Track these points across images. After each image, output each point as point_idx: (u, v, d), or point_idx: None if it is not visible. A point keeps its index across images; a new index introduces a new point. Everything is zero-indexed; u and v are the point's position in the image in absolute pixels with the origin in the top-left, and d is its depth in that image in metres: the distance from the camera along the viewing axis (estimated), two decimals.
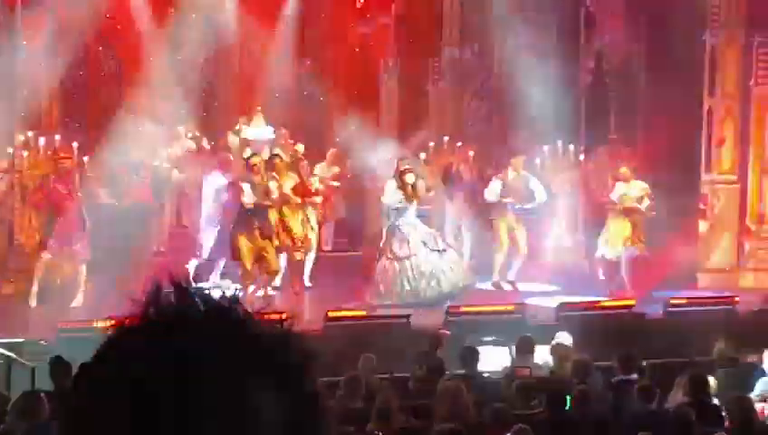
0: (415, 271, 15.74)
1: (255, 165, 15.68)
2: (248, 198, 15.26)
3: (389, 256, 15.86)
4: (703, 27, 17.46)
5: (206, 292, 1.36)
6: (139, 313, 1.34)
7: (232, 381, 1.30)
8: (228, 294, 1.37)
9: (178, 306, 1.34)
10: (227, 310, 1.35)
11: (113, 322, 1.36)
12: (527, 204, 17.25)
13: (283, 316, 1.39)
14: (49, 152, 16.73)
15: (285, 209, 16.06)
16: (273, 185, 15.73)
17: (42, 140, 16.90)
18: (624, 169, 16.80)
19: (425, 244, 15.90)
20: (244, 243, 15.23)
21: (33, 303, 15.09)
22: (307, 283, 16.76)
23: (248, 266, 15.29)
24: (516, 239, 17.22)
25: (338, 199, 19.33)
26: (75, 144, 16.92)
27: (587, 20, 19.50)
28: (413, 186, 15.95)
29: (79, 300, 15.15)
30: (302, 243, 16.33)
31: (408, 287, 15.71)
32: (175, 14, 19.68)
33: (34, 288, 15.09)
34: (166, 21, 19.71)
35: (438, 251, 15.97)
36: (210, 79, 21.08)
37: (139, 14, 19.84)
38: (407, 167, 16.26)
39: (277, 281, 16.13)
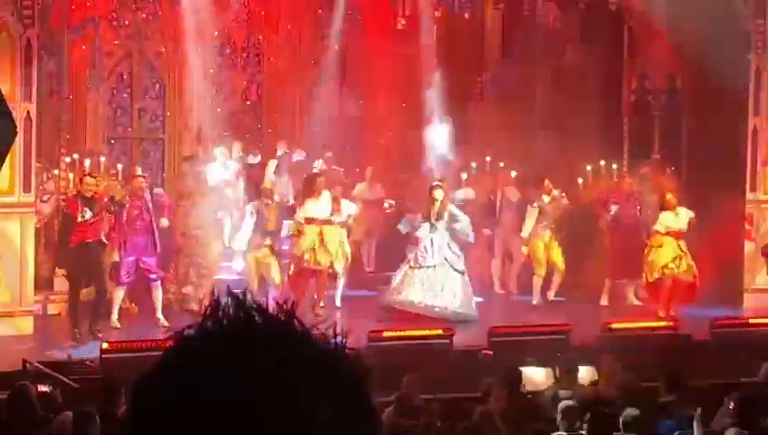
0: (427, 282, 15.69)
1: None
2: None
3: (411, 264, 15.95)
4: (748, 46, 17.34)
5: (264, 305, 1.34)
6: (198, 325, 1.32)
7: (294, 394, 1.29)
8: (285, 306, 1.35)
9: (237, 319, 1.33)
10: (286, 323, 1.34)
11: (172, 335, 1.34)
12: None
13: (337, 331, 1.37)
14: None
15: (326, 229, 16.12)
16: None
17: None
18: (670, 197, 16.55)
19: (446, 260, 15.85)
20: None
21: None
22: (338, 303, 16.70)
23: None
24: (553, 257, 17.17)
25: (379, 219, 19.28)
26: None
27: (630, 40, 19.41)
28: (441, 202, 15.92)
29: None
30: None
31: (418, 298, 15.66)
32: None
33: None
34: None
35: (457, 272, 15.91)
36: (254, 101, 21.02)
37: None
38: (436, 183, 16.26)
39: None
